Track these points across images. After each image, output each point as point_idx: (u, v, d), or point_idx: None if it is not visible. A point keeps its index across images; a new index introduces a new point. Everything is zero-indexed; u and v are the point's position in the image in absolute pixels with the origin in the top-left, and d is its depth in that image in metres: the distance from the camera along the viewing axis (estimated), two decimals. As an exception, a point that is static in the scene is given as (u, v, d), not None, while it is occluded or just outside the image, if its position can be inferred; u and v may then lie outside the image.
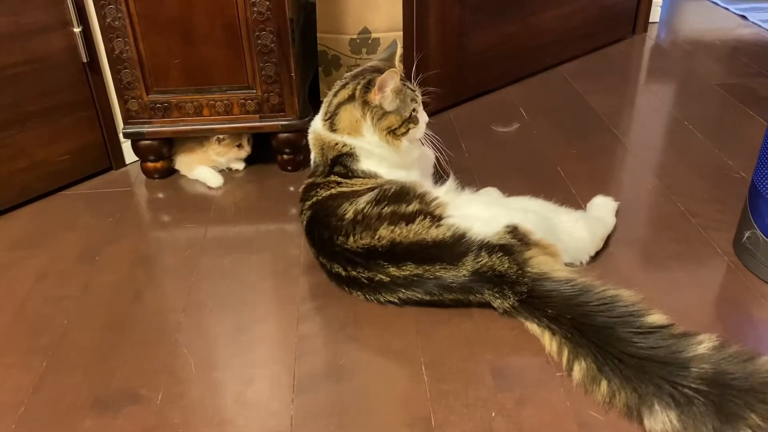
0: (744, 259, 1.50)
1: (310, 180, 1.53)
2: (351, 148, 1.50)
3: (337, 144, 1.51)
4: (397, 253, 1.34)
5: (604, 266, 1.51)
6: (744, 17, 3.17)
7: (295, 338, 1.34)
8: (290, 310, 1.42)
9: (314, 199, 1.48)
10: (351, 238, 1.37)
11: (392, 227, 1.34)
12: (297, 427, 1.15)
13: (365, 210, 1.37)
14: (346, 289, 1.43)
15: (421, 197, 1.41)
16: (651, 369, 1.10)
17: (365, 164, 1.51)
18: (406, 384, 1.22)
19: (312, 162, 1.58)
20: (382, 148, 1.50)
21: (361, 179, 1.49)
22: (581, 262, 1.49)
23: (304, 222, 1.49)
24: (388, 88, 1.45)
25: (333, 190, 1.47)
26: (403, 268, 1.34)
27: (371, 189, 1.44)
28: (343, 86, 1.53)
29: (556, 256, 1.39)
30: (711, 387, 1.06)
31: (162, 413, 1.18)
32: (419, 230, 1.33)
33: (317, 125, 1.56)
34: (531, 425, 1.13)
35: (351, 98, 1.50)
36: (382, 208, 1.37)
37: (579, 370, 1.18)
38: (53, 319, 1.41)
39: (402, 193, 1.41)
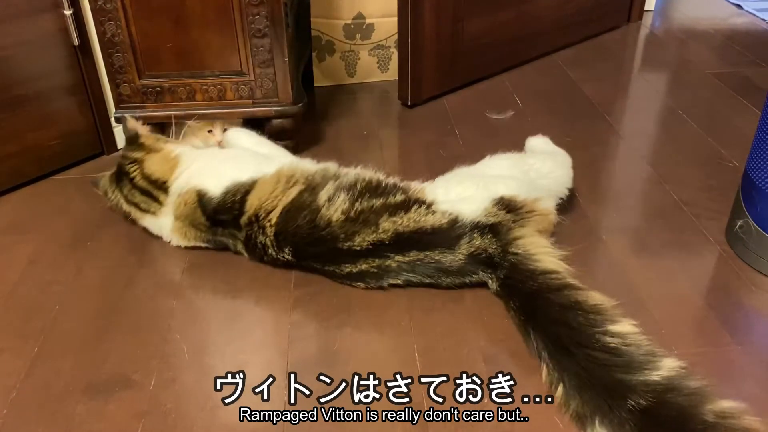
0: (736, 248, 1.51)
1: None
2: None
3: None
4: (401, 242, 1.35)
5: (596, 254, 1.52)
6: (739, 6, 3.16)
7: (288, 324, 1.34)
8: (283, 295, 1.42)
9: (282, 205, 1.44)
10: (358, 238, 1.36)
11: (393, 218, 1.36)
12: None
13: (356, 207, 1.38)
14: (348, 283, 1.41)
15: (398, 186, 1.45)
16: (601, 384, 1.08)
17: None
18: (398, 370, 1.22)
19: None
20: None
21: None
22: (562, 198, 1.55)
23: (268, 241, 1.43)
24: None
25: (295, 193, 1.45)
26: (408, 254, 1.35)
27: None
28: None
29: (546, 219, 1.42)
30: (643, 419, 1.03)
31: (154, 398, 1.18)
32: (417, 218, 1.36)
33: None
34: (523, 411, 1.13)
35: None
36: (372, 202, 1.39)
37: (545, 371, 1.15)
38: (45, 304, 1.41)
39: (378, 186, 1.44)
